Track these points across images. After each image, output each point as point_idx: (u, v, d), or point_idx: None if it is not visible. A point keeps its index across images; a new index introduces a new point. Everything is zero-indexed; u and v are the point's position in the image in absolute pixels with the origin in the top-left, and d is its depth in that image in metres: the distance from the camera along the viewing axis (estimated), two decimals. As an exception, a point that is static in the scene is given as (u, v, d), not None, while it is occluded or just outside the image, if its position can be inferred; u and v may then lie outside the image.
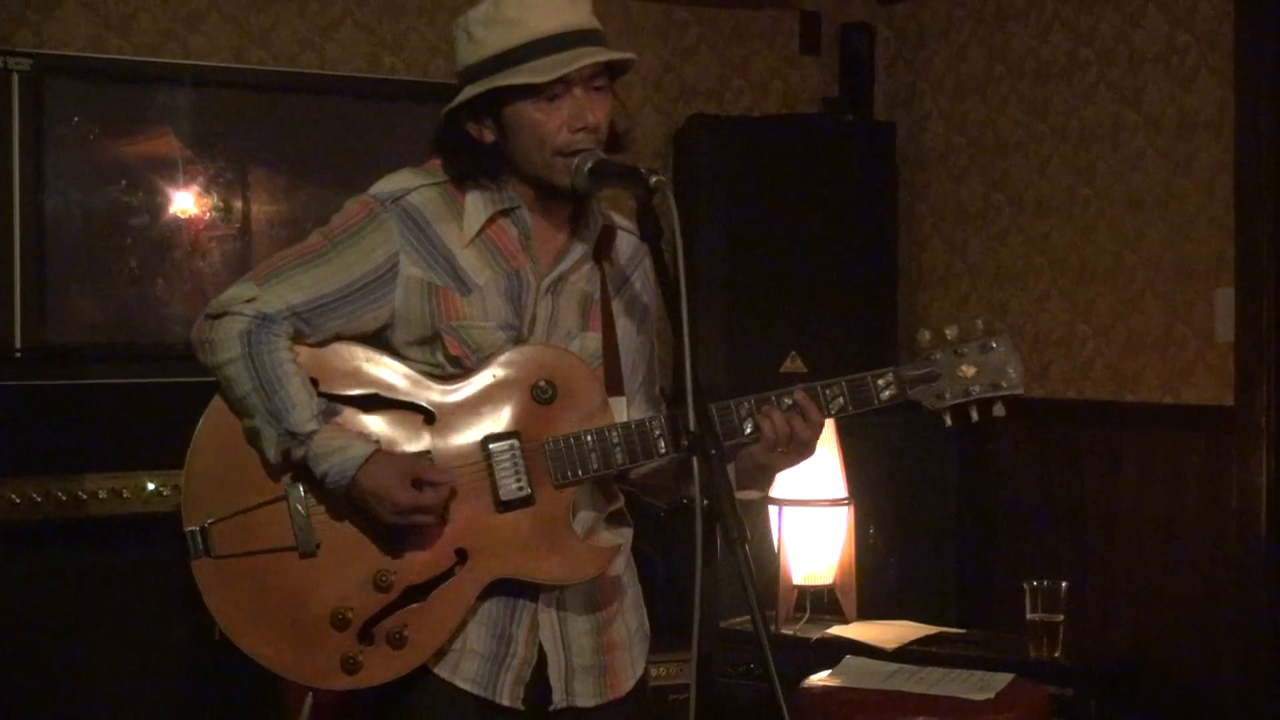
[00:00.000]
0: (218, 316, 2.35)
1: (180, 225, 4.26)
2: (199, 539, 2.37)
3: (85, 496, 3.71)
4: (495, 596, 2.38)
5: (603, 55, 2.33)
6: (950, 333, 2.47)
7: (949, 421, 2.49)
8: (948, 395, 2.46)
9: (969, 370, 2.46)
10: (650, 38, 5.10)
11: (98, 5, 4.30)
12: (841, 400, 2.42)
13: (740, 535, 2.15)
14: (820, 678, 3.64)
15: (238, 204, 4.33)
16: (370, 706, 2.40)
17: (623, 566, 2.52)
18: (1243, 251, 4.35)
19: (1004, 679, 3.54)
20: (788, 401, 2.38)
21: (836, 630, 4.12)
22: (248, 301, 2.33)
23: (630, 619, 2.53)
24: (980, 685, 3.50)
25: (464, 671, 2.38)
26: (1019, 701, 3.48)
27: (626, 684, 2.49)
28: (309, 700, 2.47)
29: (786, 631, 4.13)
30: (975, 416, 2.50)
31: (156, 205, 4.23)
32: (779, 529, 4.24)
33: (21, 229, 3.98)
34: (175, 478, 3.75)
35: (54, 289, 4.06)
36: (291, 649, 2.36)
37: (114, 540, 3.73)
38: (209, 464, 2.39)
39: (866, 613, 4.26)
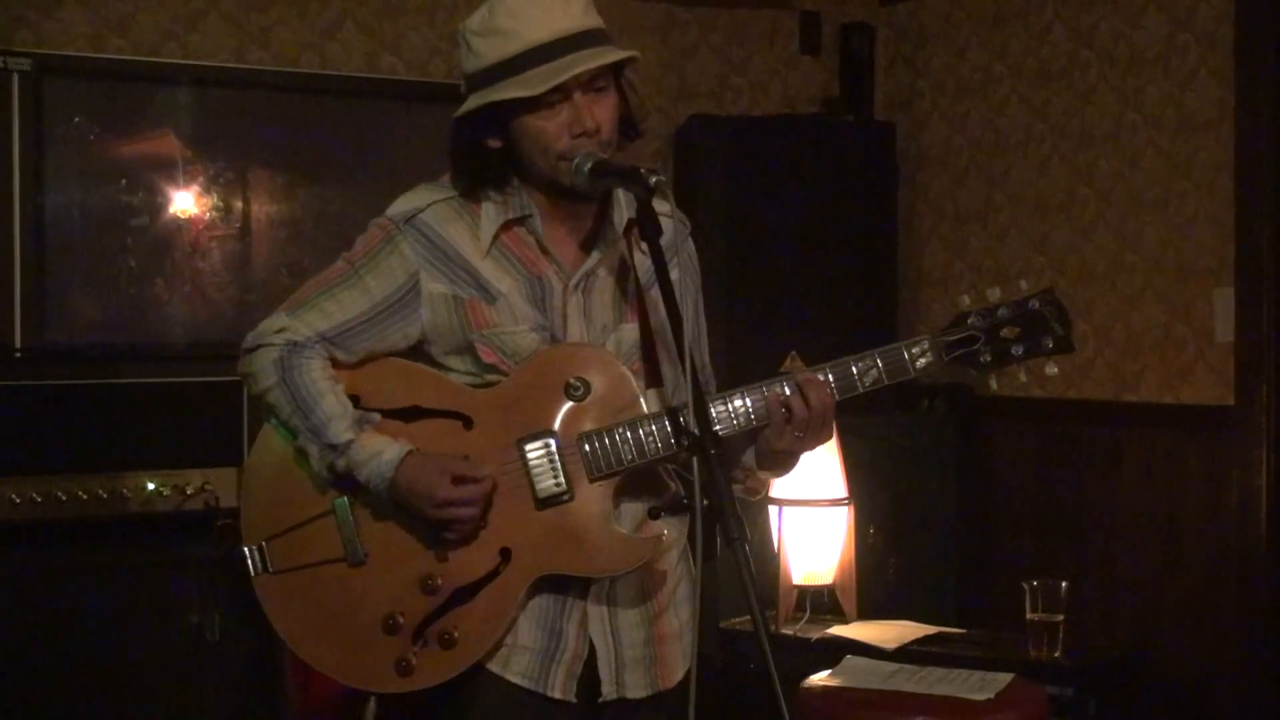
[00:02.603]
0: (253, 350, 2.43)
1: (180, 225, 4.27)
2: (257, 556, 2.45)
3: (85, 496, 3.71)
4: (545, 592, 2.41)
5: (594, 60, 2.32)
6: (993, 295, 2.42)
7: (994, 385, 2.44)
8: (988, 358, 2.41)
9: (1011, 331, 2.41)
10: (650, 38, 5.10)
11: (98, 5, 4.30)
12: (876, 373, 2.38)
13: (740, 535, 2.16)
14: (820, 678, 3.64)
15: (238, 204, 4.34)
16: (428, 705, 2.43)
17: (675, 558, 2.52)
18: (1243, 251, 4.35)
19: (1004, 679, 3.54)
20: (790, 384, 2.37)
21: (836, 630, 4.12)
22: (278, 332, 2.41)
23: (683, 610, 2.53)
24: (980, 685, 3.50)
25: (515, 666, 2.41)
26: (1019, 701, 3.48)
27: (677, 674, 2.50)
28: (371, 704, 2.54)
29: (786, 631, 4.13)
30: (1024, 378, 2.45)
31: (156, 205, 4.23)
32: (779, 529, 4.24)
33: (21, 229, 3.98)
34: (175, 477, 3.81)
35: (54, 289, 4.06)
36: (348, 656, 2.42)
37: (114, 540, 3.73)
38: (262, 485, 2.48)
39: (866, 613, 4.26)
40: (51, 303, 4.04)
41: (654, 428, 2.36)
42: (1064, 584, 3.86)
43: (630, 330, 2.46)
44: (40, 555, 3.64)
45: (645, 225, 2.31)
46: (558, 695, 2.42)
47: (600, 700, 2.45)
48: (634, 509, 2.44)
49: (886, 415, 4.84)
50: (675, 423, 2.34)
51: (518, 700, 2.41)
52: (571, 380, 2.38)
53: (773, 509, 4.25)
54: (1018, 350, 2.42)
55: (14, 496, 3.64)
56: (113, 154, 4.18)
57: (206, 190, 4.29)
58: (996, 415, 4.98)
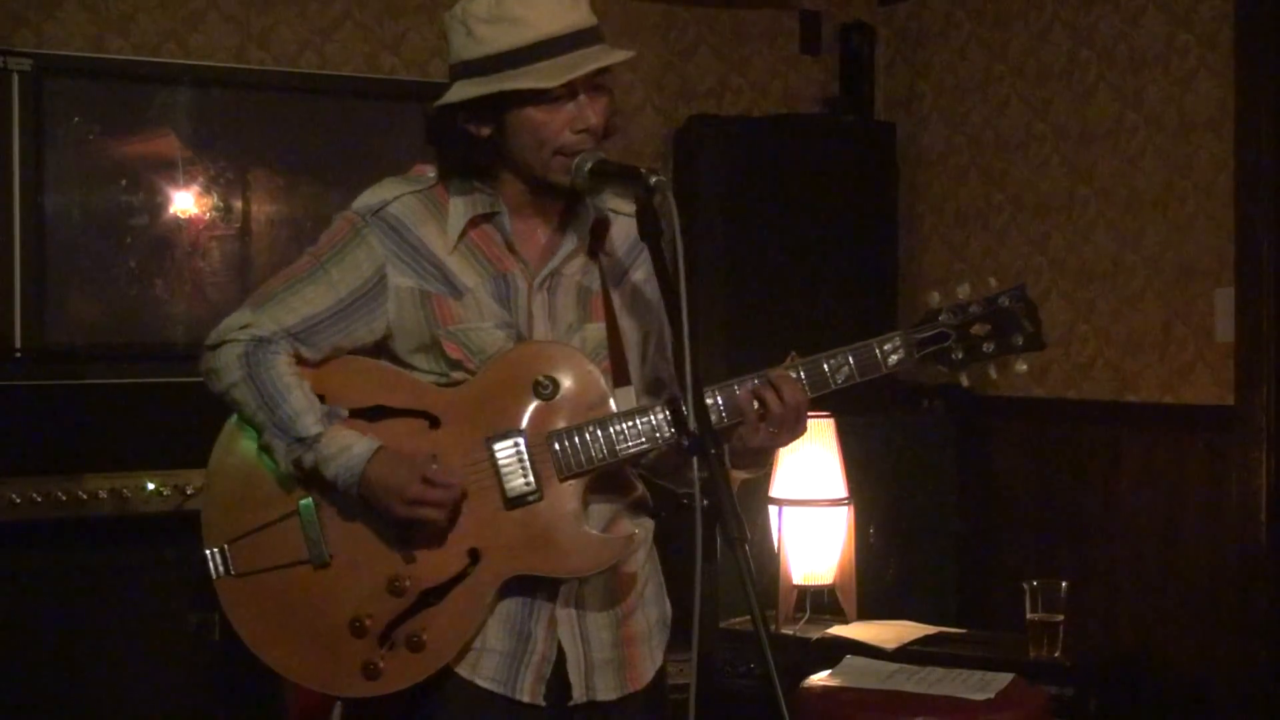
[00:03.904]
0: (217, 346, 2.40)
1: (180, 225, 4.27)
2: (219, 559, 2.42)
3: (85, 496, 3.71)
4: (513, 594, 2.38)
5: (607, 58, 2.33)
6: (962, 292, 2.42)
7: (965, 382, 2.43)
8: (959, 355, 2.41)
9: (981, 328, 2.41)
10: (650, 38, 5.10)
11: (98, 5, 4.30)
12: (847, 370, 2.39)
13: (740, 535, 2.15)
14: (820, 678, 3.64)
15: (238, 204, 4.34)
16: (397, 710, 2.40)
17: (643, 558, 2.51)
18: (1243, 251, 4.35)
19: (1004, 679, 3.54)
20: (762, 381, 2.36)
21: (836, 630, 4.12)
22: (243, 328, 2.38)
23: (650, 611, 2.53)
24: (980, 685, 3.50)
25: (484, 670, 2.39)
26: (1019, 701, 3.48)
27: (646, 675, 2.50)
28: (337, 709, 2.50)
29: (786, 631, 4.13)
30: (994, 374, 2.44)
31: (156, 205, 4.23)
32: (779, 529, 4.24)
33: (21, 229, 3.98)
34: (175, 477, 3.81)
35: (54, 289, 4.06)
36: (313, 660, 2.39)
37: (114, 540, 3.73)
38: (224, 486, 2.44)
39: (866, 613, 4.26)
40: (51, 303, 4.04)
41: (624, 426, 2.34)
42: (1064, 584, 3.86)
43: (595, 330, 2.44)
44: (40, 555, 3.64)
45: (645, 225, 2.29)
46: (526, 699, 2.39)
47: (570, 703, 2.43)
48: (602, 509, 2.43)
49: (886, 415, 4.84)
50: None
51: (486, 704, 2.38)
52: (540, 379, 2.36)
53: (773, 509, 4.25)
54: (988, 347, 2.41)
55: (14, 496, 3.64)
56: (113, 154, 4.18)
57: (206, 190, 4.29)
58: (996, 415, 4.98)
